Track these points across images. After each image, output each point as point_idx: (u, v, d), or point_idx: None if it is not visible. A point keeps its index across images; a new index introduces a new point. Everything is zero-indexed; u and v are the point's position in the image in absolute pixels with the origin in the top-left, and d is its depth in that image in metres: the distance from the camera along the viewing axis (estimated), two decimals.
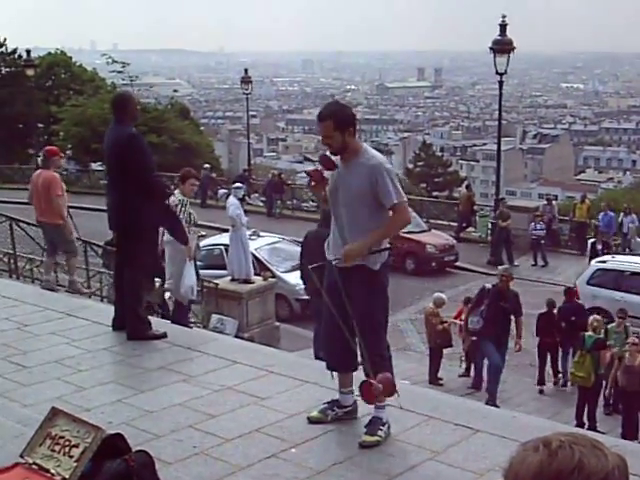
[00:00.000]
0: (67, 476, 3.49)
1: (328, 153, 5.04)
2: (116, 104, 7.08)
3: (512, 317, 11.91)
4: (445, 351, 14.26)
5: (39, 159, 10.82)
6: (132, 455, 3.59)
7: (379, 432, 4.84)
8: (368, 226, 4.89)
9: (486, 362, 12.40)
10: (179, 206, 9.73)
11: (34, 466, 3.61)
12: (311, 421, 5.10)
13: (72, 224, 11.31)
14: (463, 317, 13.75)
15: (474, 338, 12.38)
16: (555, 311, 14.17)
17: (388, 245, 5.08)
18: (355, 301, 4.87)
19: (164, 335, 6.88)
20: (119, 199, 6.88)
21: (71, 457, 3.56)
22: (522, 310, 12.09)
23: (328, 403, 5.18)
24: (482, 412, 5.48)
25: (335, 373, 5.19)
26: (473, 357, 13.67)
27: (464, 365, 14.15)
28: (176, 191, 10.05)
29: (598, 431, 9.87)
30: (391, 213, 4.96)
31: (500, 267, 13.65)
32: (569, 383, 13.33)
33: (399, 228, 5.29)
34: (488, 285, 12.22)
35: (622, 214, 23.80)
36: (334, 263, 5.00)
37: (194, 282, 10.57)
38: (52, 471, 3.54)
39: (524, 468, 1.44)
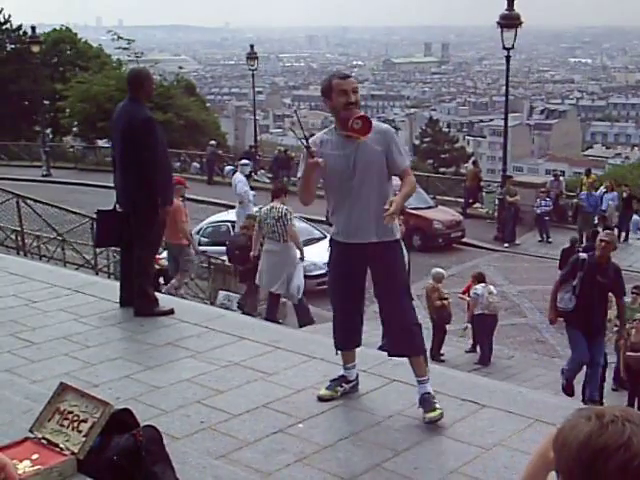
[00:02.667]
0: (76, 450, 3.52)
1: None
2: (132, 81, 6.93)
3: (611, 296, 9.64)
4: (452, 327, 14.28)
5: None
6: (140, 430, 3.61)
7: (435, 404, 4.79)
8: (386, 194, 4.82)
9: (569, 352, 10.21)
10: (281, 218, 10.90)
11: (43, 441, 3.64)
12: (322, 399, 5.10)
13: (194, 247, 13.03)
14: (471, 292, 13.76)
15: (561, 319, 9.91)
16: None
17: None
18: (390, 275, 4.87)
19: (171, 311, 6.90)
20: (128, 177, 6.86)
21: (80, 432, 3.58)
22: (624, 288, 9.68)
23: (335, 380, 5.19)
24: (488, 387, 5.49)
25: (340, 351, 5.21)
26: (478, 334, 13.70)
27: (470, 341, 14.18)
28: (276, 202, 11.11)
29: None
30: (398, 179, 4.89)
31: (603, 232, 10.87)
32: None
33: (414, 189, 5.06)
34: (583, 254, 9.61)
35: (603, 190, 23.37)
36: (360, 241, 4.84)
37: (302, 282, 11.54)
38: (61, 446, 3.57)
39: (573, 434, 1.43)
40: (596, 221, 22.06)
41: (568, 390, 9.85)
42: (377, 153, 4.76)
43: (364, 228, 4.83)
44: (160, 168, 6.75)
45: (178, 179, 12.88)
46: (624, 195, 22.99)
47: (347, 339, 5.17)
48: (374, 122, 4.82)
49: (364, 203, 4.80)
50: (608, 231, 11.77)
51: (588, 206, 22.11)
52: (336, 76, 4.92)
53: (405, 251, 5.35)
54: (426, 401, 4.81)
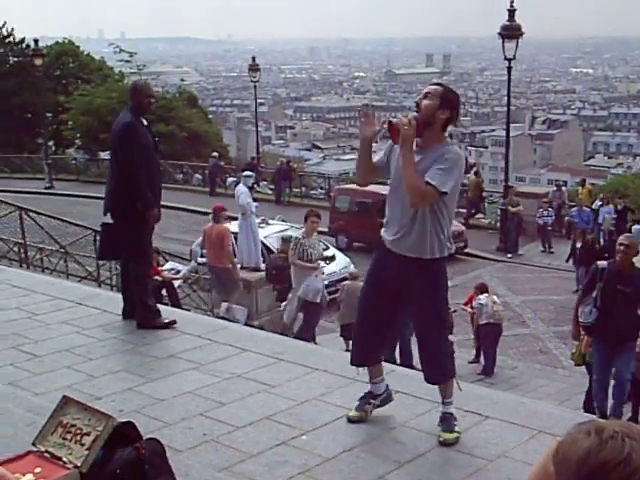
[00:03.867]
0: (79, 464, 3.51)
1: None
2: (129, 91, 7.27)
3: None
4: (454, 338, 14.25)
5: (210, 216, 13.85)
6: (143, 443, 3.61)
7: (455, 427, 4.72)
8: (435, 212, 4.61)
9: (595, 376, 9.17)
10: (296, 244, 11.47)
11: (46, 454, 3.63)
12: (351, 421, 4.91)
13: (238, 270, 13.83)
14: (474, 304, 13.74)
15: (583, 335, 9.16)
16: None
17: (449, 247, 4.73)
18: (417, 294, 4.68)
19: (174, 322, 6.90)
20: (112, 182, 6.95)
21: (83, 445, 3.57)
22: None
23: (362, 398, 4.99)
24: (492, 398, 5.48)
25: (361, 368, 5.01)
26: (483, 344, 13.68)
27: (474, 352, 14.16)
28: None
29: (607, 417, 9.82)
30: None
31: (622, 235, 9.60)
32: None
33: (414, 188, 4.47)
34: (603, 263, 8.70)
35: (599, 204, 23.13)
36: (396, 252, 4.68)
37: (320, 287, 11.96)
38: (64, 459, 3.56)
39: (572, 449, 1.42)
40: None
41: (599, 415, 8.77)
42: (426, 167, 4.51)
43: (402, 240, 4.66)
44: (140, 173, 6.73)
45: (219, 206, 13.67)
46: (618, 207, 22.82)
47: (369, 353, 4.96)
48: (445, 147, 4.60)
49: (402, 207, 4.63)
50: (628, 234, 10.73)
51: (580, 222, 21.56)
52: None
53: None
54: (446, 421, 4.74)
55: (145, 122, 6.95)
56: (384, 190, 5.12)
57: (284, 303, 12.64)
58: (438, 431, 4.74)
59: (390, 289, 4.71)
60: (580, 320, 8.73)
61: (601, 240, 21.92)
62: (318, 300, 11.81)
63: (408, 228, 4.60)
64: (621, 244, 8.35)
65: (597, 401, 9.04)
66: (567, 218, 22.94)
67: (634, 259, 8.54)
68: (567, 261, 19.87)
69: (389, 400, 5.05)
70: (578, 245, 18.75)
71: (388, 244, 4.73)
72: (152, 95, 7.03)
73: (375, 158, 4.85)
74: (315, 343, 11.00)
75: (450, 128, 5.06)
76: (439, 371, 4.78)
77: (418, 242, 4.59)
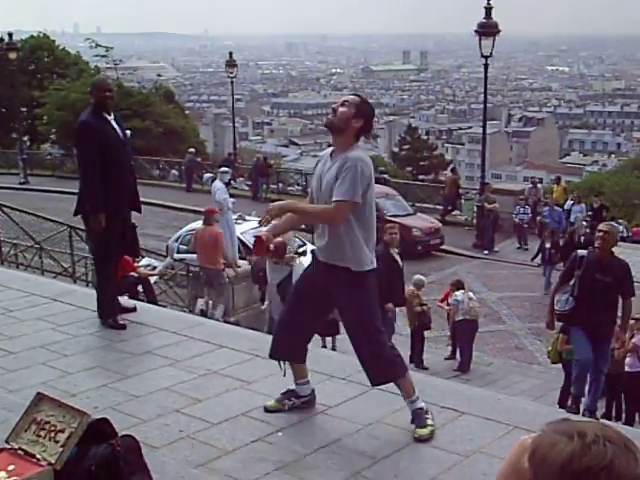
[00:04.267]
0: (53, 461, 3.49)
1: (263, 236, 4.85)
2: (90, 88, 7.26)
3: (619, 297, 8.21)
4: (431, 334, 14.31)
5: (203, 219, 13.99)
6: (118, 440, 3.59)
7: (428, 421, 4.77)
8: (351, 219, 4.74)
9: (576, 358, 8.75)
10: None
11: (20, 451, 3.61)
12: (268, 410, 5.05)
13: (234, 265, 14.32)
14: (450, 300, 13.79)
15: (558, 333, 9.22)
16: None
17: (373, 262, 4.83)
18: (339, 301, 4.84)
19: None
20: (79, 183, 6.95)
21: (57, 442, 3.55)
22: (633, 287, 8.24)
23: (284, 393, 5.12)
24: (467, 395, 5.50)
25: (286, 366, 5.08)
26: (459, 340, 13.74)
27: (450, 348, 14.22)
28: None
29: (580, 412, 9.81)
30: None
31: (602, 223, 9.34)
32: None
33: (323, 219, 4.77)
34: (582, 251, 8.50)
35: (571, 203, 22.97)
36: (319, 258, 4.88)
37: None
38: (38, 456, 3.54)
39: (553, 453, 1.40)
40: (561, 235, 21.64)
41: (573, 406, 8.69)
42: (334, 177, 4.67)
43: (326, 249, 4.81)
44: (91, 173, 6.67)
45: (211, 209, 13.83)
46: (594, 205, 22.83)
47: (293, 348, 5.05)
48: (350, 152, 4.71)
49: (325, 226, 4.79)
50: (608, 222, 10.35)
51: (552, 222, 21.25)
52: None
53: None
54: (418, 417, 4.78)
55: (110, 117, 6.81)
56: None
57: (266, 302, 12.63)
58: (413, 428, 4.76)
59: (316, 292, 4.87)
60: (555, 308, 8.43)
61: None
62: None
63: (328, 238, 4.76)
64: (600, 231, 8.07)
65: (576, 389, 8.67)
66: (539, 218, 22.67)
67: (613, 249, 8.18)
68: (532, 260, 19.65)
69: (311, 405, 5.15)
70: (547, 245, 18.56)
71: (316, 250, 4.94)
72: (109, 89, 6.89)
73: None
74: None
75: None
76: (381, 372, 4.79)
77: (336, 251, 4.73)
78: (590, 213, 22.81)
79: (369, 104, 4.96)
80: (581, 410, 8.63)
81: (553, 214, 21.43)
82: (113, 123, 6.81)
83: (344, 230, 4.66)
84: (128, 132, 7.14)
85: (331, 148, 4.92)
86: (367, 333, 4.76)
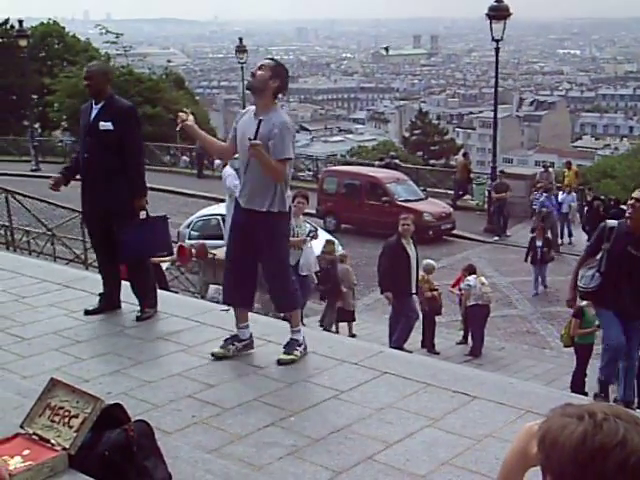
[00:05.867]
0: (67, 446, 3.51)
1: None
2: None
3: None
4: (442, 319, 14.29)
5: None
6: (131, 425, 3.61)
7: (295, 352, 5.53)
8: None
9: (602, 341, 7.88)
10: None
11: (34, 436, 3.63)
12: (216, 357, 5.59)
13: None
14: (462, 285, 13.77)
15: (583, 303, 8.40)
16: None
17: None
18: (261, 243, 5.48)
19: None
20: None
21: (71, 427, 3.57)
22: None
23: (227, 339, 5.69)
24: (479, 379, 5.50)
25: (231, 309, 5.81)
26: (471, 325, 13.72)
27: (462, 333, 14.20)
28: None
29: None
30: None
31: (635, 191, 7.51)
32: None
33: (277, 176, 5.41)
34: (612, 221, 7.50)
35: (562, 193, 22.59)
36: (244, 207, 5.52)
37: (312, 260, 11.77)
38: (52, 441, 3.56)
39: (565, 435, 1.40)
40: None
41: (602, 394, 7.93)
42: (266, 134, 5.32)
43: (255, 196, 5.46)
44: (76, 158, 7.07)
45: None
46: (588, 198, 22.20)
47: (240, 294, 5.66)
48: (276, 112, 5.48)
49: (251, 170, 5.44)
50: None
51: (550, 206, 20.70)
52: None
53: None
54: (290, 345, 5.57)
55: (98, 104, 6.64)
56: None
57: None
58: (279, 354, 5.49)
59: (245, 237, 5.56)
60: (580, 285, 7.47)
61: (565, 231, 21.69)
62: (313, 270, 11.81)
63: (250, 186, 5.48)
64: (632, 198, 7.13)
65: (605, 374, 7.80)
66: (535, 206, 21.46)
67: None
68: (525, 260, 17.66)
69: (250, 347, 5.76)
70: (539, 244, 17.19)
71: (239, 199, 5.63)
72: (85, 77, 6.83)
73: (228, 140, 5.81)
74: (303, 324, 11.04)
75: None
76: (285, 303, 5.73)
77: (257, 197, 5.43)
78: (583, 204, 22.60)
79: (283, 66, 5.63)
80: (611, 400, 7.87)
81: (545, 202, 20.90)
82: (93, 111, 6.68)
83: (269, 180, 5.38)
84: (108, 124, 6.53)
85: (253, 107, 5.56)
86: (285, 270, 5.67)
